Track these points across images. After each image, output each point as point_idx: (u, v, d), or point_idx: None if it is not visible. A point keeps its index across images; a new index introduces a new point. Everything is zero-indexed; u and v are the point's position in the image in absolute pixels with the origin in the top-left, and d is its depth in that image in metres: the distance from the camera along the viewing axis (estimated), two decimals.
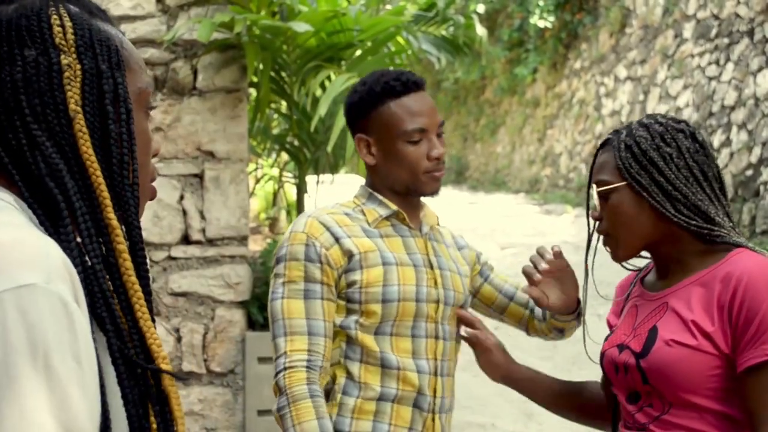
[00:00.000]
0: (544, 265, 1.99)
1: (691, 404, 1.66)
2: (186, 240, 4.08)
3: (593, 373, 6.39)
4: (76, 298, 0.86)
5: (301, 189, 5.12)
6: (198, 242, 4.09)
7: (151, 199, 1.10)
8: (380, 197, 2.03)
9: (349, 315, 1.95)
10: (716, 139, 8.59)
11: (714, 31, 9.38)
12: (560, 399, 2.13)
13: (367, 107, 2.01)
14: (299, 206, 5.06)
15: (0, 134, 0.96)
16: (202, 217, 4.10)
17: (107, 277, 0.95)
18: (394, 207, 2.02)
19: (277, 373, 1.91)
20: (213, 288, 4.11)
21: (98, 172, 0.96)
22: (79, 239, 0.95)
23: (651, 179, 1.73)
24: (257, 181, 7.00)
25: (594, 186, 1.81)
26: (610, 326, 1.94)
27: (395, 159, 2.00)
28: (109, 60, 1.00)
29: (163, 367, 0.96)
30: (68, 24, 0.98)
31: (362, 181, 2.14)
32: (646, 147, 1.73)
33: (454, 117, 19.08)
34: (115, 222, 0.96)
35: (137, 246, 0.99)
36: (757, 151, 7.81)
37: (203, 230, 4.12)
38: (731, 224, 1.75)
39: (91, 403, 0.85)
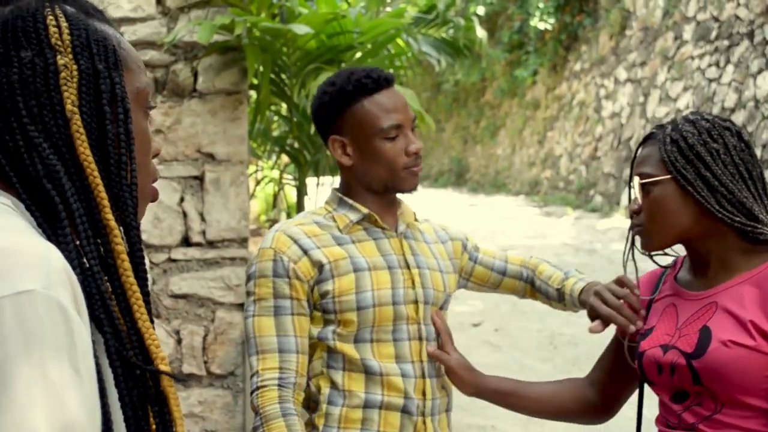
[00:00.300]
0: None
1: (745, 404, 1.66)
2: (186, 242, 4.08)
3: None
4: (76, 304, 0.86)
5: (302, 191, 5.12)
6: (198, 244, 4.09)
7: (153, 201, 1.09)
8: (350, 201, 1.99)
9: (327, 326, 1.92)
10: None
11: (714, 33, 9.39)
12: (540, 404, 2.13)
13: (339, 107, 1.96)
14: (299, 208, 5.06)
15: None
16: (203, 219, 4.11)
17: (105, 278, 0.94)
18: (365, 210, 1.97)
19: (251, 393, 1.91)
20: (213, 290, 4.11)
21: (96, 173, 0.96)
22: (77, 241, 0.94)
23: (697, 174, 1.72)
24: (257, 183, 7.00)
25: (636, 178, 1.79)
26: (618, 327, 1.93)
27: (373, 157, 1.95)
28: (106, 60, 1.00)
29: (162, 368, 0.95)
30: (64, 24, 0.98)
31: None
32: (693, 142, 1.73)
33: (454, 119, 19.08)
34: (113, 223, 0.95)
35: (135, 247, 0.98)
36: (757, 152, 7.81)
37: (203, 232, 4.12)
38: None
39: (89, 411, 0.83)
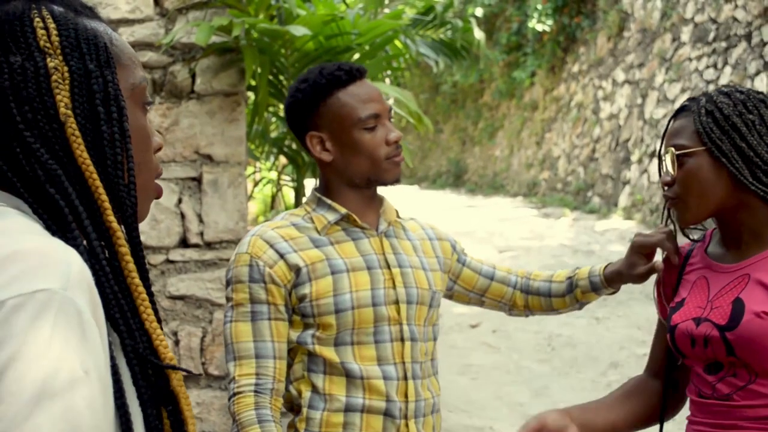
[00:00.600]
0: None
1: None
2: (184, 243, 4.08)
3: (591, 376, 6.37)
4: (93, 306, 0.86)
5: (299, 192, 5.12)
6: (196, 245, 4.09)
7: (158, 198, 1.09)
8: (329, 201, 1.96)
9: (306, 329, 1.90)
10: None
11: (712, 35, 9.40)
12: (633, 424, 1.99)
13: (314, 102, 1.93)
14: None
15: None
16: (200, 220, 4.11)
17: (115, 279, 0.95)
18: (343, 210, 1.95)
19: (228, 399, 1.89)
20: (211, 291, 4.11)
21: (95, 176, 0.95)
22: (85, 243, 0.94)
23: (732, 145, 1.73)
24: (255, 184, 7.00)
25: (671, 150, 1.79)
26: (667, 297, 1.92)
27: (353, 149, 1.92)
28: (97, 59, 0.99)
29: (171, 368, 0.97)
30: (52, 26, 0.97)
31: None
32: (729, 113, 1.73)
33: (452, 120, 19.09)
34: (115, 225, 0.95)
35: (137, 248, 0.99)
36: None
37: (201, 233, 4.12)
38: None
39: (97, 415, 0.83)
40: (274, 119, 5.89)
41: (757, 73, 8.22)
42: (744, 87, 1.81)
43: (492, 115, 17.25)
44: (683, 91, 9.91)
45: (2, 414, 0.77)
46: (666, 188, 1.82)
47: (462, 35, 5.12)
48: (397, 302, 1.94)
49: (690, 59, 9.88)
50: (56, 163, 0.94)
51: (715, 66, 9.22)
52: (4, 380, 0.78)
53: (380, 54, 4.70)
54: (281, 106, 5.27)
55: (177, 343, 4.08)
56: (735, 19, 8.88)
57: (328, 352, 1.89)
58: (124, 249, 0.96)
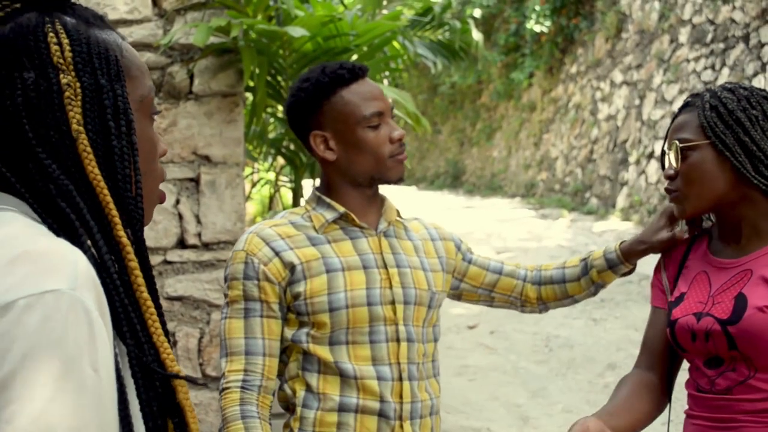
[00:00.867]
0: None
1: None
2: (182, 244, 4.08)
3: (588, 377, 6.36)
4: (100, 308, 0.88)
5: (297, 193, 5.12)
6: (194, 246, 4.09)
7: (161, 203, 1.11)
8: (328, 200, 1.96)
9: (301, 328, 1.90)
10: None
11: (710, 36, 9.41)
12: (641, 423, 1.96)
13: (317, 100, 1.93)
14: None
15: (8, 158, 0.96)
16: (198, 221, 4.11)
17: (125, 291, 0.96)
18: (342, 209, 1.94)
19: (219, 394, 1.91)
20: (208, 292, 4.11)
21: (105, 191, 0.97)
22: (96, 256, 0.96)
23: (736, 139, 1.75)
24: (253, 185, 7.00)
25: (675, 143, 1.81)
26: (664, 287, 1.93)
27: (357, 148, 1.92)
28: (108, 73, 1.00)
29: (177, 380, 0.98)
30: (65, 41, 0.98)
31: None
32: (733, 107, 1.76)
33: (451, 121, 19.10)
34: (125, 240, 0.97)
35: (145, 261, 1.00)
36: None
37: (199, 234, 4.12)
38: None
39: (105, 411, 0.85)
40: (272, 120, 5.89)
41: (755, 74, 8.23)
42: (747, 84, 1.83)
43: (490, 116, 17.25)
44: (681, 92, 9.92)
45: (16, 412, 0.79)
46: (669, 181, 1.84)
47: (460, 36, 5.12)
48: (393, 302, 1.93)
49: (688, 60, 9.89)
50: (68, 179, 0.95)
51: (713, 67, 9.23)
52: (19, 378, 0.80)
53: (378, 55, 4.70)
54: (279, 107, 5.27)
55: (174, 344, 4.08)
56: (733, 21, 8.89)
57: (323, 351, 1.89)
58: (134, 264, 0.97)
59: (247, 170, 6.48)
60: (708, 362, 1.77)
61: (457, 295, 2.18)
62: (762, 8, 8.27)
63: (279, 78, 4.56)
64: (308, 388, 1.90)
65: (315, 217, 1.96)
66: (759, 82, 8.08)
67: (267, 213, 7.52)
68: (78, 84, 0.97)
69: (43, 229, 0.93)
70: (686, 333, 1.79)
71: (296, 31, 3.94)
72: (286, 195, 7.22)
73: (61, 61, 0.97)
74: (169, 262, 4.10)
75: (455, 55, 5.16)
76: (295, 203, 5.11)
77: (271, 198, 7.28)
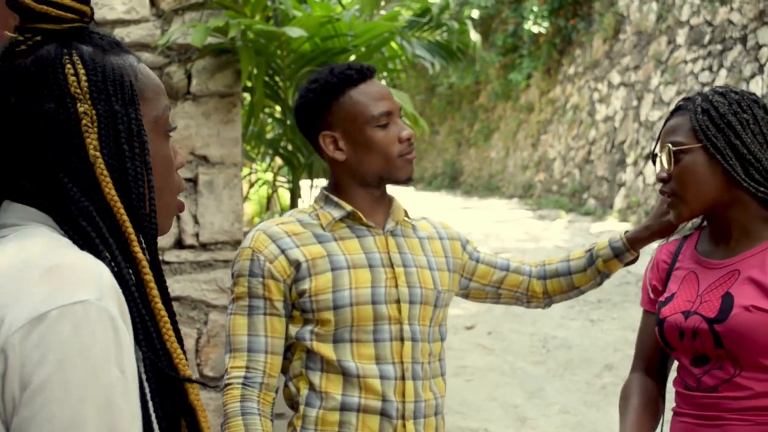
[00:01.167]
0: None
1: (764, 366, 1.72)
2: (179, 244, 4.07)
3: (585, 378, 6.36)
4: (123, 315, 0.97)
5: (295, 193, 5.12)
6: (191, 247, 4.09)
7: (180, 212, 1.20)
8: (336, 199, 1.97)
9: (306, 325, 1.91)
10: None
11: (707, 38, 9.42)
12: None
13: (327, 101, 1.94)
14: None
15: (35, 180, 1.04)
16: (196, 221, 4.10)
17: (141, 303, 1.04)
18: (349, 207, 1.95)
19: (221, 390, 1.93)
20: (206, 292, 4.11)
21: (122, 210, 1.05)
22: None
23: (727, 142, 1.78)
24: (251, 185, 7.00)
25: (668, 146, 1.84)
26: (654, 290, 1.96)
27: (366, 147, 1.93)
28: (122, 98, 1.07)
29: (188, 383, 1.07)
30: (81, 71, 1.05)
31: None
32: (725, 111, 1.79)
33: (448, 122, 19.10)
34: (140, 255, 1.05)
35: (159, 273, 1.09)
36: None
37: (197, 235, 4.12)
38: None
39: (133, 407, 0.95)
40: (269, 120, 5.89)
41: (753, 75, 8.24)
42: (738, 88, 1.87)
43: (488, 116, 17.26)
44: (679, 93, 9.93)
45: (55, 412, 0.89)
46: (662, 184, 1.87)
47: (458, 37, 5.12)
48: (398, 301, 1.94)
49: (685, 62, 9.90)
50: (88, 200, 1.03)
51: (710, 69, 9.24)
52: (55, 381, 0.90)
53: (376, 56, 4.69)
54: (277, 108, 5.27)
55: None
56: (730, 22, 8.90)
57: (326, 349, 1.90)
58: (149, 277, 1.05)
59: (245, 170, 6.48)
60: (695, 360, 1.80)
61: (465, 294, 2.20)
62: (760, 10, 8.28)
63: (277, 78, 4.56)
64: (311, 387, 1.91)
65: (322, 215, 1.97)
66: (756, 84, 8.09)
67: (265, 213, 7.52)
68: (94, 111, 1.05)
69: (68, 242, 1.02)
70: (674, 331, 1.82)
71: (294, 32, 3.94)
72: (284, 195, 7.22)
73: (78, 90, 1.04)
74: (167, 263, 4.10)
75: (453, 56, 5.16)
76: (293, 203, 5.11)
77: (269, 198, 7.28)
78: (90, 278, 0.95)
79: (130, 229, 1.05)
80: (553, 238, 10.18)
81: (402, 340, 1.93)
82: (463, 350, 6.44)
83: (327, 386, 1.90)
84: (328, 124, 1.96)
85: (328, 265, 1.90)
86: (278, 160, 6.40)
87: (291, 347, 1.95)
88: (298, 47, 4.31)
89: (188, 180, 4.11)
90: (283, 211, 6.61)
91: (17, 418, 0.90)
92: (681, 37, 10.11)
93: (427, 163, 20.27)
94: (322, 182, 5.50)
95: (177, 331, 1.08)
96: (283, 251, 1.91)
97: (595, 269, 2.14)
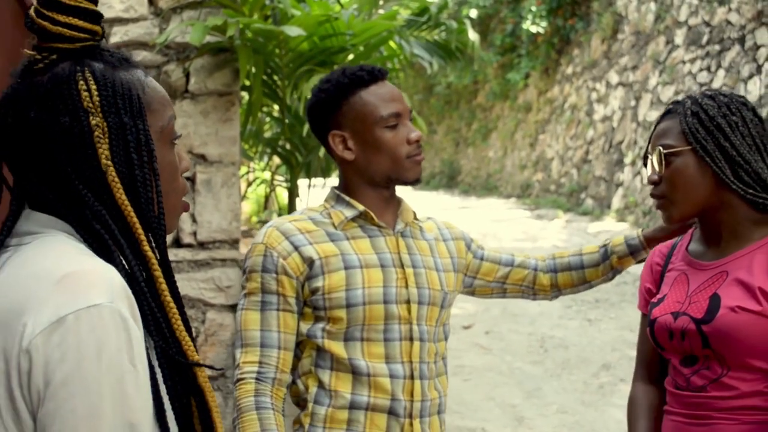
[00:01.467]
0: None
1: (750, 367, 1.74)
2: (177, 243, 4.07)
3: (583, 378, 6.36)
4: (133, 314, 1.08)
5: (293, 192, 5.12)
6: (189, 245, 4.08)
7: (185, 211, 1.30)
8: (347, 198, 2.00)
9: (317, 322, 1.93)
10: None
11: (705, 38, 9.42)
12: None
13: (337, 101, 1.98)
14: (291, 210, 5.05)
15: (50, 189, 1.15)
16: (194, 220, 4.10)
17: (151, 297, 1.16)
18: (361, 207, 1.98)
19: (233, 385, 1.94)
20: (204, 291, 4.10)
21: (132, 213, 1.16)
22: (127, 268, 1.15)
23: (716, 145, 1.81)
24: (249, 184, 6.99)
25: (659, 149, 1.86)
26: (649, 292, 2.00)
27: (375, 148, 1.96)
28: (131, 111, 1.17)
29: (199, 367, 1.19)
30: (93, 87, 1.15)
31: None
32: (714, 114, 1.82)
33: (446, 121, 19.10)
34: (150, 254, 1.16)
35: (168, 269, 1.19)
36: None
37: (194, 233, 4.11)
38: None
39: (144, 397, 1.07)
40: (267, 119, 5.89)
41: (750, 76, 8.25)
42: (727, 90, 1.89)
43: (486, 116, 17.26)
44: (677, 93, 9.94)
45: (77, 405, 1.01)
46: (653, 187, 1.89)
47: (456, 36, 5.12)
48: (408, 302, 1.96)
49: (683, 62, 9.90)
50: (101, 205, 1.14)
51: (708, 69, 9.24)
52: (76, 377, 1.02)
53: (374, 55, 4.69)
54: (275, 107, 5.26)
55: None
56: (728, 23, 8.90)
57: (337, 347, 1.92)
58: (158, 273, 1.17)
59: (243, 169, 6.48)
60: (684, 360, 1.83)
61: (470, 291, 2.23)
62: (758, 10, 8.28)
63: (275, 77, 4.55)
64: (320, 385, 1.93)
65: (334, 214, 1.99)
66: (754, 84, 8.09)
67: (262, 212, 7.51)
68: (105, 124, 1.15)
69: (83, 248, 1.13)
70: (664, 331, 1.85)
71: (292, 31, 3.94)
72: (282, 194, 7.22)
73: (90, 105, 1.15)
74: None
75: (451, 56, 5.16)
76: (291, 202, 5.11)
77: (267, 197, 7.28)
78: (102, 283, 1.06)
79: (140, 230, 1.15)
80: (550, 237, 10.19)
81: (411, 340, 1.96)
82: (460, 350, 6.44)
83: (336, 384, 1.92)
84: (338, 123, 1.99)
85: (341, 263, 1.93)
86: (276, 159, 6.40)
87: (300, 344, 1.97)
88: (296, 46, 4.30)
89: (186, 179, 4.11)
90: (280, 210, 6.61)
91: (43, 410, 1.02)
92: (679, 37, 10.12)
93: (425, 162, 20.20)
94: (320, 181, 5.50)
95: (186, 322, 1.19)
96: (296, 248, 1.93)
97: (608, 265, 2.19)
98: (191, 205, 4.10)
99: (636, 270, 2.14)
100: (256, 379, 1.90)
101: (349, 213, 1.99)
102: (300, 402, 1.98)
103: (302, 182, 5.45)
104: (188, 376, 1.19)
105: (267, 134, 5.94)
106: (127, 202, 1.15)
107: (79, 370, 1.02)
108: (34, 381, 1.02)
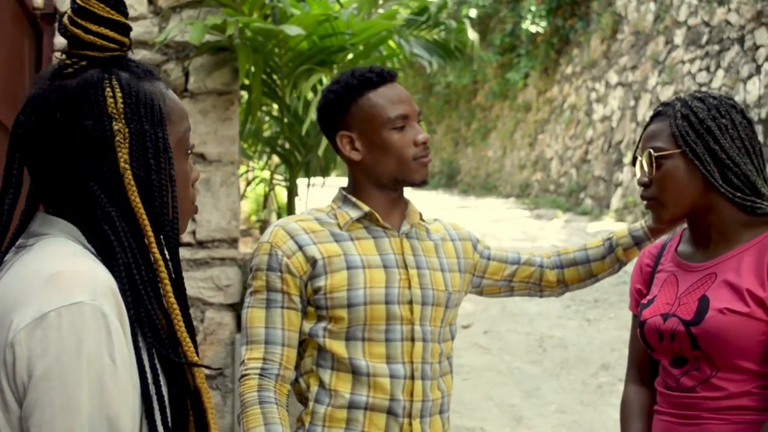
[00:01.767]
0: None
1: (739, 368, 1.76)
2: None
3: (581, 377, 6.36)
4: (118, 310, 1.12)
5: (292, 192, 5.11)
6: (188, 244, 4.08)
7: (194, 213, 1.37)
8: (354, 199, 2.02)
9: (319, 322, 1.96)
10: None
11: (705, 38, 9.42)
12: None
13: (346, 102, 2.00)
14: (290, 209, 5.06)
15: (64, 188, 1.20)
16: (193, 219, 4.10)
17: (153, 297, 1.20)
18: (366, 208, 2.00)
19: (238, 381, 1.98)
20: (203, 290, 4.10)
21: (144, 216, 1.20)
22: (134, 270, 1.19)
23: (706, 148, 1.82)
24: (248, 183, 6.99)
25: (649, 151, 1.87)
26: (639, 293, 2.01)
27: (381, 149, 1.98)
28: (152, 120, 1.23)
29: (195, 368, 1.23)
30: (119, 94, 1.21)
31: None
32: (704, 116, 1.83)
33: (446, 121, 19.10)
34: (158, 255, 1.21)
35: (178, 272, 1.24)
36: None
37: (194, 232, 4.11)
38: None
39: (124, 392, 1.10)
40: (267, 118, 5.88)
41: (750, 76, 8.25)
42: (716, 93, 1.91)
43: (485, 116, 17.26)
44: (676, 93, 9.94)
45: (55, 398, 1.05)
46: (643, 189, 1.91)
47: (456, 36, 5.12)
48: (411, 302, 1.98)
49: (683, 62, 9.90)
50: (113, 206, 1.19)
51: (707, 69, 9.25)
52: (56, 372, 1.06)
53: (374, 54, 4.69)
54: (275, 106, 5.26)
55: None
56: (728, 23, 8.91)
57: (338, 347, 1.94)
58: (164, 275, 1.21)
59: (242, 168, 6.48)
60: (673, 361, 1.85)
61: (478, 291, 2.25)
62: (757, 11, 8.29)
63: (274, 76, 4.55)
64: (321, 384, 1.96)
65: (340, 215, 2.02)
66: (754, 84, 8.10)
67: (261, 211, 7.51)
68: (127, 130, 1.21)
69: (81, 250, 1.18)
70: (654, 333, 1.87)
71: (292, 30, 3.94)
72: (281, 194, 7.22)
73: (114, 111, 1.20)
74: None
75: (451, 55, 5.16)
76: (290, 202, 5.11)
77: (266, 196, 7.27)
78: (86, 282, 1.10)
79: (151, 233, 1.20)
80: (549, 237, 10.19)
81: (413, 340, 1.97)
82: (459, 349, 6.44)
83: (336, 384, 1.94)
84: (346, 124, 2.01)
85: (343, 263, 1.95)
86: (275, 158, 6.40)
87: (303, 343, 1.99)
88: (295, 45, 4.30)
89: None
90: (279, 210, 6.61)
91: (26, 402, 1.07)
92: (678, 37, 10.12)
93: None
94: (319, 180, 5.50)
95: (189, 323, 1.24)
96: (300, 248, 1.95)
97: (614, 257, 2.21)
98: None
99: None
100: (260, 375, 1.93)
101: (355, 214, 2.01)
102: (302, 400, 2.00)
103: (301, 181, 5.45)
104: (184, 376, 1.23)
105: (266, 133, 5.93)
106: (140, 205, 1.20)
107: (59, 364, 1.06)
108: (18, 374, 1.07)
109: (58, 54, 1.28)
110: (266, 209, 7.33)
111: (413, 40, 4.96)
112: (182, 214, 1.30)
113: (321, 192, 5.53)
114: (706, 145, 1.81)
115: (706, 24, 9.44)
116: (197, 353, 1.24)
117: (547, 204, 13.07)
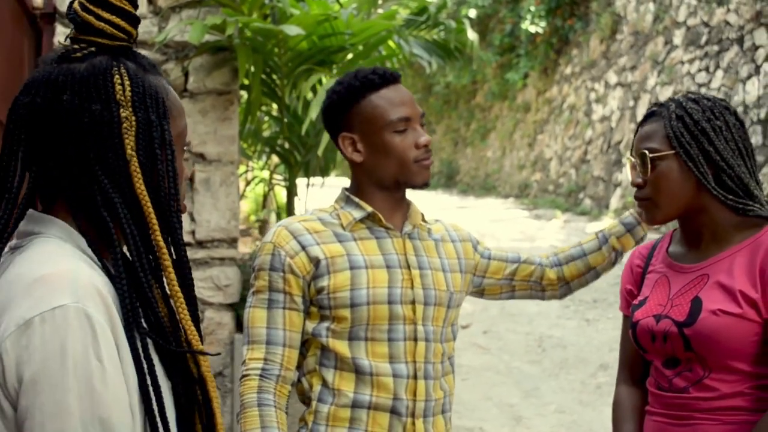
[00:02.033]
0: None
1: (732, 368, 1.77)
2: None
3: (580, 377, 6.37)
4: (106, 310, 1.11)
5: (291, 192, 5.12)
6: (188, 244, 4.08)
7: (183, 213, 1.32)
8: (356, 200, 2.03)
9: (322, 321, 1.96)
10: None
11: (704, 39, 9.43)
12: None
13: (348, 103, 2.00)
14: (289, 209, 5.06)
15: (65, 172, 1.18)
16: (192, 219, 4.10)
17: (157, 286, 1.20)
18: (369, 209, 2.01)
19: (240, 380, 1.97)
20: (202, 290, 4.10)
21: (149, 204, 1.20)
22: (135, 257, 1.19)
23: (700, 149, 1.83)
24: (247, 183, 6.99)
25: (644, 152, 1.87)
26: (630, 294, 2.01)
27: (383, 151, 1.99)
28: (157, 111, 1.23)
29: (200, 355, 1.22)
30: (127, 82, 1.21)
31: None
32: (698, 118, 1.83)
33: (445, 121, 19.10)
34: (162, 243, 1.20)
35: (183, 260, 1.23)
36: None
37: (193, 232, 4.11)
38: (767, 198, 1.87)
39: (115, 392, 1.10)
40: (266, 118, 5.89)
41: (749, 76, 8.26)
42: (709, 94, 1.91)
43: (484, 116, 17.27)
44: (675, 93, 9.93)
45: (44, 402, 1.05)
46: (637, 189, 1.91)
47: (455, 36, 5.12)
48: (413, 302, 1.98)
49: (682, 62, 9.91)
50: (115, 192, 1.18)
51: (707, 69, 9.25)
52: (42, 376, 1.06)
53: (373, 54, 4.70)
54: (274, 105, 5.27)
55: None
56: (727, 23, 8.91)
57: (341, 347, 1.94)
58: (167, 262, 1.21)
59: (242, 168, 6.48)
60: (666, 362, 1.85)
61: (479, 291, 2.25)
62: (756, 11, 8.29)
63: (274, 76, 4.55)
64: (324, 383, 1.96)
65: (343, 215, 2.02)
66: (753, 84, 8.10)
67: (261, 211, 7.52)
68: (134, 118, 1.20)
69: (67, 250, 1.17)
70: (646, 334, 1.87)
71: (291, 30, 3.94)
72: (281, 193, 7.22)
73: (122, 98, 1.20)
74: None
75: (450, 55, 5.16)
76: (290, 201, 5.11)
77: (266, 196, 7.28)
78: (68, 284, 1.10)
79: (154, 220, 1.19)
80: (548, 237, 10.19)
81: (416, 340, 1.98)
82: (458, 349, 6.43)
83: (340, 383, 1.94)
84: (348, 125, 2.02)
85: (347, 263, 1.95)
86: (275, 158, 6.40)
87: (306, 343, 1.99)
88: (295, 45, 4.31)
89: None
90: (279, 209, 6.61)
91: (19, 407, 1.07)
92: (678, 37, 10.13)
93: None
94: (319, 180, 5.50)
95: (195, 312, 1.23)
96: (303, 248, 1.95)
97: (609, 247, 2.21)
98: (190, 204, 4.10)
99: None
100: (260, 375, 1.93)
101: (358, 214, 2.01)
102: (305, 400, 2.00)
103: (301, 181, 5.45)
104: (187, 365, 1.22)
105: (266, 133, 5.93)
106: (145, 192, 1.19)
107: (45, 369, 1.06)
108: (9, 380, 1.08)
109: (62, 40, 1.22)
110: (265, 209, 7.33)
111: (413, 40, 4.97)
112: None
113: (320, 192, 5.53)
114: (701, 146, 1.82)
115: (706, 24, 9.44)
116: (202, 341, 1.24)
117: (546, 204, 13.08)
